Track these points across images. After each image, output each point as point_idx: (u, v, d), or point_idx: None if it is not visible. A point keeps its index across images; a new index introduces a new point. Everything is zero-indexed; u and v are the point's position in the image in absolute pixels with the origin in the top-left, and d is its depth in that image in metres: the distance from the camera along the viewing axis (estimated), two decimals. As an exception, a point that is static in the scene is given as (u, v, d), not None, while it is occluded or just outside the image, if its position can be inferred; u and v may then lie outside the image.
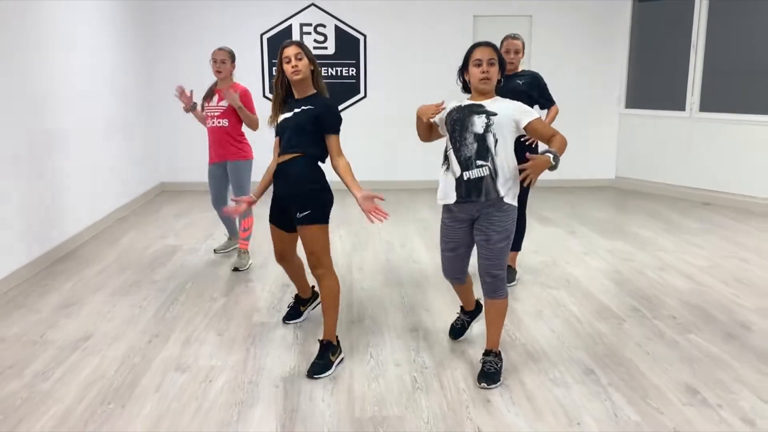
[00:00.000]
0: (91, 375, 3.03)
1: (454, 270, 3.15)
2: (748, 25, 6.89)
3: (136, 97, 6.99)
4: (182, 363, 3.16)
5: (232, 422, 2.63)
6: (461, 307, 3.44)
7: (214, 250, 5.09)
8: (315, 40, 7.71)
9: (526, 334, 3.53)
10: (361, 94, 7.87)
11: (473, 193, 2.88)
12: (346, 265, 4.79)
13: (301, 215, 3.09)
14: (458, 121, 2.93)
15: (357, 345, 3.39)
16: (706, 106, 7.12)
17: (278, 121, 3.21)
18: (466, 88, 3.06)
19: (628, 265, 4.81)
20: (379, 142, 7.82)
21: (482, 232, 2.92)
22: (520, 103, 2.97)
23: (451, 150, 2.95)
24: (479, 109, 2.91)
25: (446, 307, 3.90)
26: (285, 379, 3.01)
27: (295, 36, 7.66)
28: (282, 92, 3.21)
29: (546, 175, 7.68)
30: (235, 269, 4.62)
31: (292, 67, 3.07)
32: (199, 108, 4.79)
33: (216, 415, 2.69)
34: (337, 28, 7.72)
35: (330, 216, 3.21)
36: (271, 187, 3.31)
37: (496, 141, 2.86)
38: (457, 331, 3.45)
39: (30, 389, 2.90)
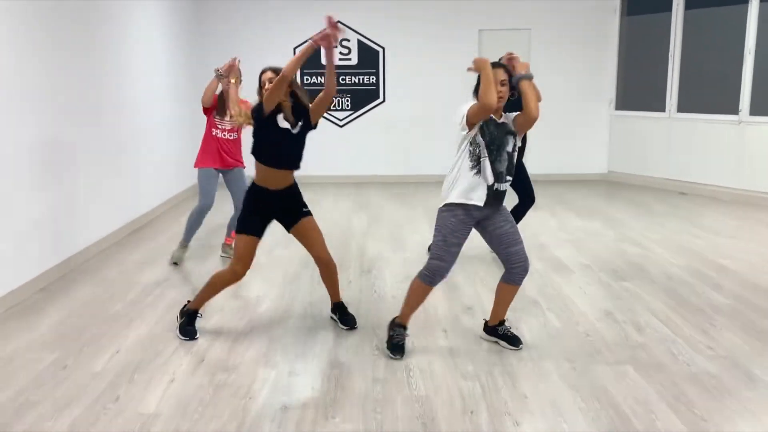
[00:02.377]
0: (171, 302, 4.21)
1: (450, 267, 3.31)
2: (718, 36, 7.84)
3: (184, 100, 8.24)
4: (237, 293, 4.31)
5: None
6: (401, 325, 3.46)
7: (174, 263, 5.07)
8: (340, 53, 8.87)
9: (491, 283, 4.59)
10: (381, 99, 9.01)
11: (498, 202, 3.26)
12: (362, 235, 5.91)
13: (305, 210, 3.66)
14: (497, 138, 3.18)
15: (364, 289, 4.51)
16: (682, 107, 8.09)
17: (278, 125, 3.43)
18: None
19: (593, 237, 5.84)
20: (396, 140, 8.94)
21: (505, 220, 3.31)
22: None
23: (487, 159, 3.18)
24: (510, 130, 3.23)
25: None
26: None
27: (323, 48, 8.80)
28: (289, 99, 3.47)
29: (543, 169, 8.77)
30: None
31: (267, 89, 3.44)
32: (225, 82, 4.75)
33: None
34: (359, 42, 8.88)
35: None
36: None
37: (516, 159, 3.32)
38: (401, 347, 3.40)
39: (130, 310, 4.09)
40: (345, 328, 3.78)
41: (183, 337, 3.61)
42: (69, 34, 4.99)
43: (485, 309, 3.92)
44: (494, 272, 4.55)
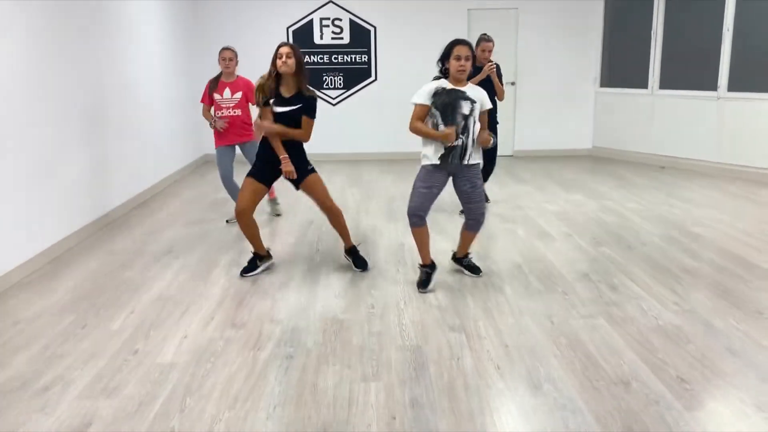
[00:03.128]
0: (178, 269, 4.49)
1: (423, 207, 3.91)
2: (697, 16, 8.10)
3: (182, 80, 8.45)
4: (242, 261, 4.60)
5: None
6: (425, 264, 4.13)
7: (226, 221, 5.72)
8: (333, 32, 9.09)
9: (481, 250, 4.90)
10: (372, 78, 9.25)
11: (457, 157, 3.85)
12: (356, 209, 6.19)
13: (310, 167, 4.31)
14: (449, 104, 3.77)
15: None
16: (664, 84, 8.37)
17: (273, 111, 4.13)
18: (444, 73, 3.91)
19: (576, 208, 6.15)
20: (387, 118, 9.17)
21: (468, 181, 3.93)
22: (485, 93, 3.96)
23: (441, 125, 3.79)
24: (464, 95, 3.81)
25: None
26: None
27: (315, 28, 9.04)
28: (272, 82, 4.12)
29: (531, 145, 9.05)
30: (277, 215, 5.94)
31: (282, 62, 4.05)
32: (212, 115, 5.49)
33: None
34: (351, 21, 9.09)
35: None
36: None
37: (474, 122, 3.85)
38: (424, 282, 4.05)
39: (141, 276, 4.37)
40: (358, 270, 4.37)
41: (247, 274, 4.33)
42: (87, 21, 5.22)
43: (473, 277, 4.25)
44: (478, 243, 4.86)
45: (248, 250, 4.51)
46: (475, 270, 4.27)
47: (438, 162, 3.88)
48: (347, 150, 9.23)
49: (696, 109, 7.99)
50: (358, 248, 4.53)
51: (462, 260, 4.33)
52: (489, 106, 4.00)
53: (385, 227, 5.56)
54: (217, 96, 5.48)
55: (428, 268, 4.09)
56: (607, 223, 5.61)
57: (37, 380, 2.97)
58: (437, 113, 3.83)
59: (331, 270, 4.45)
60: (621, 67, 9.12)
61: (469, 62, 3.81)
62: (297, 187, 4.34)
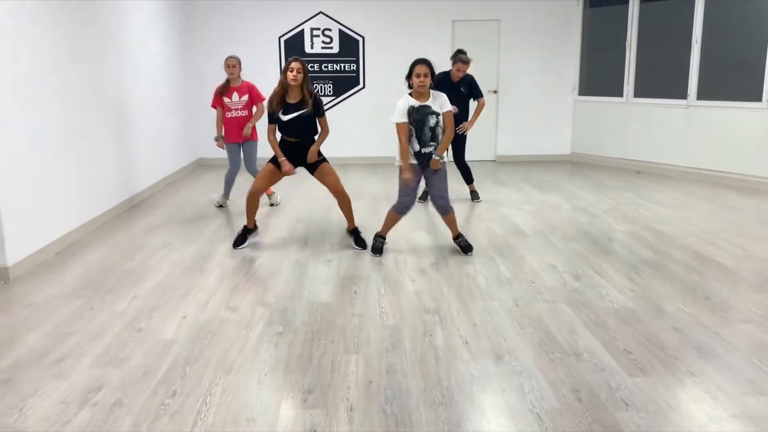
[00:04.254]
0: (176, 260, 4.83)
1: (412, 201, 4.87)
2: (668, 28, 8.54)
3: (177, 87, 8.80)
4: (235, 254, 4.94)
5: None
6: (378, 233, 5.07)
7: (219, 206, 6.61)
8: (323, 42, 9.47)
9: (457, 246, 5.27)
10: (361, 86, 9.63)
11: (427, 159, 4.70)
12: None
13: (321, 158, 5.11)
14: (419, 120, 4.62)
15: (346, 248, 5.17)
16: (638, 92, 8.80)
17: (282, 119, 4.90)
18: (410, 86, 4.69)
19: (551, 209, 6.53)
20: (374, 124, 9.53)
21: (435, 176, 4.77)
22: (445, 97, 4.73)
23: (415, 136, 4.66)
24: (430, 111, 4.64)
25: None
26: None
27: (306, 38, 9.42)
28: (281, 90, 4.87)
29: (512, 151, 9.46)
30: (272, 204, 6.62)
31: (293, 77, 4.77)
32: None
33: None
34: (340, 31, 9.47)
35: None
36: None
37: (441, 130, 4.69)
38: (380, 249, 4.97)
39: (141, 267, 4.71)
40: (357, 248, 5.08)
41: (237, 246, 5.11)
42: (91, 32, 5.56)
43: (450, 266, 4.63)
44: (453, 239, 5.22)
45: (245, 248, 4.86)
46: (466, 250, 4.92)
47: (415, 162, 4.77)
48: (336, 154, 9.44)
49: (667, 117, 8.42)
50: (359, 230, 5.24)
51: (455, 240, 5.03)
52: (449, 107, 4.74)
53: (370, 223, 5.91)
54: (226, 99, 6.30)
55: (384, 239, 5.04)
56: (578, 222, 5.99)
57: (51, 353, 3.30)
58: (412, 128, 4.67)
59: (319, 263, 4.80)
60: (598, 76, 9.55)
61: (429, 78, 4.60)
62: (312, 173, 5.14)
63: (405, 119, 4.64)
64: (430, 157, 4.70)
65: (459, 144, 6.64)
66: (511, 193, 7.35)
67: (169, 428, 2.61)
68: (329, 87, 9.60)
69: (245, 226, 5.20)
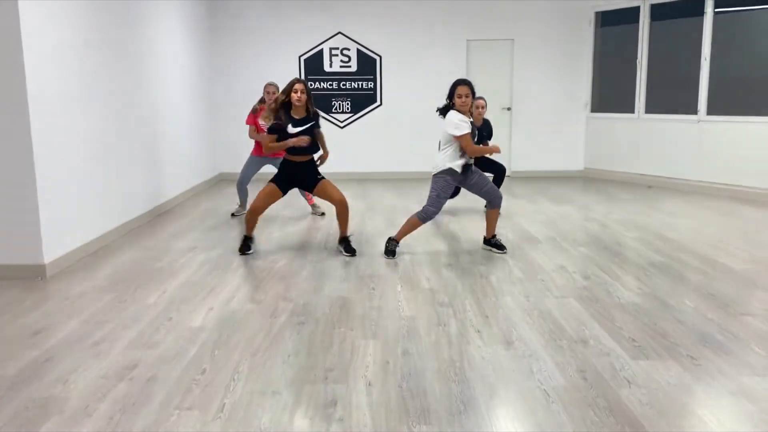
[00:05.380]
0: (202, 261, 5.07)
1: (438, 211, 5.13)
2: (678, 45, 8.76)
3: (201, 105, 9.13)
4: (256, 256, 5.17)
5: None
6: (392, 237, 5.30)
7: (231, 214, 6.91)
8: (341, 61, 9.79)
9: (472, 249, 5.46)
10: (378, 103, 9.92)
11: (468, 169, 5.04)
12: (361, 217, 6.77)
13: (320, 177, 5.34)
14: (472, 132, 4.98)
15: (364, 252, 5.38)
16: (650, 109, 8.99)
17: (290, 132, 5.06)
18: (451, 106, 4.99)
19: (563, 218, 6.71)
20: (391, 141, 9.83)
21: (475, 174, 5.10)
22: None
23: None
24: (473, 130, 5.02)
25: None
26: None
27: (325, 57, 9.75)
28: (278, 105, 5.09)
29: (526, 167, 9.64)
30: (322, 214, 6.86)
31: (298, 97, 5.01)
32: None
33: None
34: (358, 51, 9.80)
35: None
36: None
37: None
38: (394, 252, 5.20)
39: (170, 267, 4.95)
40: (347, 254, 5.21)
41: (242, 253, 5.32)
42: (128, 54, 5.90)
43: (463, 267, 4.83)
44: (468, 250, 5.42)
45: (259, 250, 5.10)
46: (501, 248, 5.27)
47: (460, 171, 5.02)
48: (354, 169, 9.85)
49: (678, 132, 8.59)
50: (350, 239, 5.39)
51: (491, 240, 5.33)
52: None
53: (386, 231, 6.12)
54: (261, 121, 6.51)
55: (397, 243, 5.24)
56: (589, 229, 6.16)
57: (89, 337, 3.53)
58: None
59: (337, 264, 5.01)
60: (609, 93, 9.76)
61: (470, 98, 4.95)
62: (311, 191, 5.38)
63: (469, 130, 4.90)
64: (471, 168, 5.08)
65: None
66: (524, 204, 7.54)
67: (200, 399, 2.82)
68: (347, 104, 9.89)
69: (245, 235, 5.38)
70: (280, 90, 6.33)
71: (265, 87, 6.70)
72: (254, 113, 6.72)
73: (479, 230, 6.06)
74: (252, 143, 6.86)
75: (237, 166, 9.69)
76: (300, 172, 5.28)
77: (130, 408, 2.75)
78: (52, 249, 4.77)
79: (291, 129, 5.10)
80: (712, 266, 4.83)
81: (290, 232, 6.15)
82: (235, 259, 5.15)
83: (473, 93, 4.98)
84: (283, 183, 5.26)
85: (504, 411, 2.71)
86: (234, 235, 6.03)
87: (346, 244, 5.30)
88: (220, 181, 9.73)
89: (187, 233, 6.11)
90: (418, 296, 4.20)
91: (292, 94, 5.04)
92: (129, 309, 3.99)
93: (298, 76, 5.14)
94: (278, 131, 5.11)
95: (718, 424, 2.58)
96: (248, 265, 4.98)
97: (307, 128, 5.15)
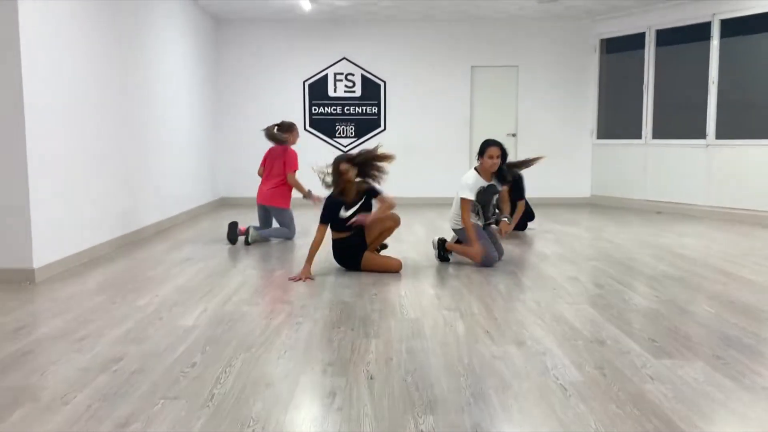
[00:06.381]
0: (199, 269, 4.88)
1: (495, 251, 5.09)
2: (685, 70, 8.70)
3: (205, 129, 9.06)
4: (255, 265, 4.97)
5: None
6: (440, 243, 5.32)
7: (246, 243, 6.08)
8: (346, 86, 9.75)
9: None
10: (382, 128, 9.84)
11: (488, 230, 5.18)
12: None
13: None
14: (485, 199, 5.01)
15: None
16: (657, 134, 8.88)
17: (344, 216, 4.76)
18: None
19: (573, 237, 6.51)
20: (394, 165, 9.66)
21: (491, 235, 5.21)
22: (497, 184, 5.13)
23: (481, 213, 5.08)
24: (495, 190, 5.07)
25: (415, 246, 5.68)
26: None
27: (330, 82, 9.71)
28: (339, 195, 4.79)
29: (532, 194, 9.48)
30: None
31: (348, 178, 4.74)
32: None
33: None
34: (362, 76, 9.76)
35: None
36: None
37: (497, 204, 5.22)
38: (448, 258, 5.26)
39: (164, 274, 4.75)
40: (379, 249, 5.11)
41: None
42: (133, 75, 5.84)
43: (470, 276, 4.62)
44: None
45: (256, 261, 4.89)
46: (445, 259, 5.23)
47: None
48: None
49: (687, 157, 8.45)
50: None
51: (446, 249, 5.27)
52: (500, 189, 5.17)
53: (391, 246, 5.94)
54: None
55: (449, 254, 5.28)
56: (600, 247, 5.96)
57: (73, 334, 3.32)
58: (479, 206, 5.05)
59: (339, 272, 4.81)
60: (616, 119, 9.67)
61: (500, 159, 4.93)
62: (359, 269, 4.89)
63: (473, 197, 4.91)
64: (490, 227, 5.22)
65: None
66: (533, 226, 7.35)
67: (188, 389, 2.60)
68: (351, 129, 9.81)
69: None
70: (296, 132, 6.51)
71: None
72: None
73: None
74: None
75: (238, 191, 9.62)
76: (349, 249, 4.87)
77: (111, 397, 2.53)
78: (43, 254, 4.59)
79: (344, 213, 4.79)
80: (729, 278, 4.62)
81: (291, 244, 5.96)
82: (233, 267, 4.96)
83: (504, 155, 4.95)
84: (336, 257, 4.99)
85: (518, 404, 2.47)
86: (232, 249, 5.85)
87: (381, 247, 5.23)
88: (221, 205, 9.58)
89: (184, 246, 5.93)
90: (423, 301, 3.99)
91: (341, 177, 4.75)
92: (119, 309, 3.79)
93: (342, 155, 4.90)
94: (331, 220, 4.79)
95: (758, 421, 2.35)
96: (246, 273, 4.77)
97: (357, 209, 4.82)
